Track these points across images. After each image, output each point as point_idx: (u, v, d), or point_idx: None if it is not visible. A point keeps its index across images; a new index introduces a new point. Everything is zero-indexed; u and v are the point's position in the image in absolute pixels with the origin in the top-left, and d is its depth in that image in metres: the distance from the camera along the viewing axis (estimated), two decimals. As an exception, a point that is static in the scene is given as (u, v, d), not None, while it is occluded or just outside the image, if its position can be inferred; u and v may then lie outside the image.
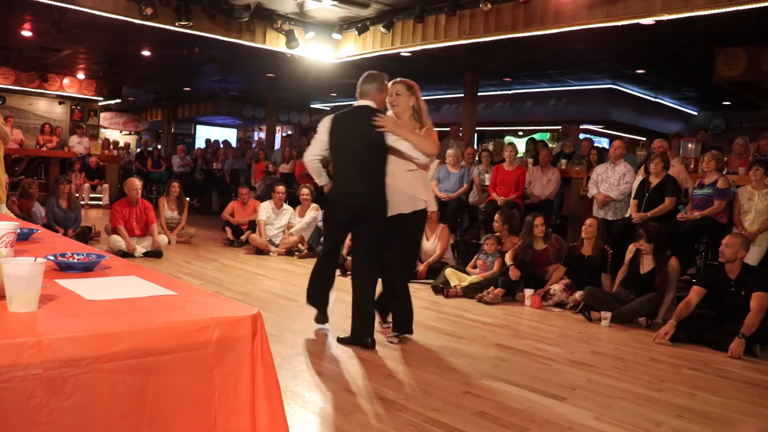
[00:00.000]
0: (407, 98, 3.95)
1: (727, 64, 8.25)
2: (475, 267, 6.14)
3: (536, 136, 12.02)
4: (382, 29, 8.45)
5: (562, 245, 5.99)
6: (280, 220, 7.89)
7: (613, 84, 12.29)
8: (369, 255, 3.88)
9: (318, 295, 4.12)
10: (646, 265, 5.16)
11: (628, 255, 5.32)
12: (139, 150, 17.37)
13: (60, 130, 13.82)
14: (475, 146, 11.09)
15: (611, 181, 6.46)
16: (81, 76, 14.62)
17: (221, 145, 14.88)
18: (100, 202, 12.58)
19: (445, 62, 9.99)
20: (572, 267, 5.62)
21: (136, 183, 7.23)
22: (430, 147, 3.81)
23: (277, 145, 15.43)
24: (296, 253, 7.66)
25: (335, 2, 7.87)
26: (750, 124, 12.69)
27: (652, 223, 5.37)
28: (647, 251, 5.12)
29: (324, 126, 3.98)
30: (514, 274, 5.59)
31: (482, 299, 5.53)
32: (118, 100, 17.34)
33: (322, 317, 4.19)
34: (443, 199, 7.29)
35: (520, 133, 15.54)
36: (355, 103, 3.96)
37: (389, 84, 3.95)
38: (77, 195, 10.69)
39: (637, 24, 6.63)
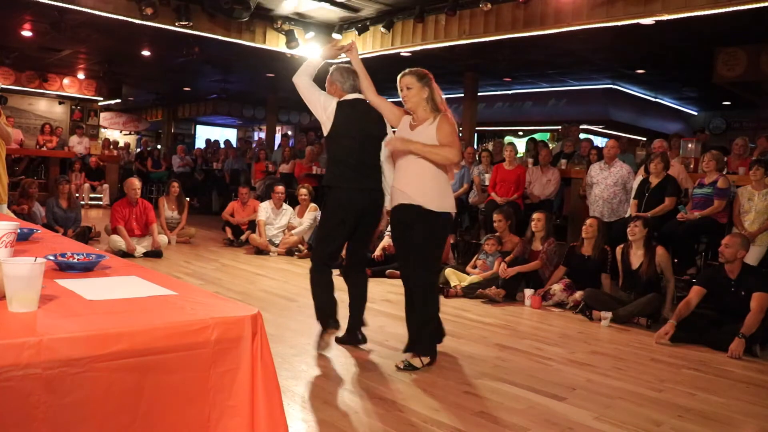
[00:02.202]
0: (419, 90, 3.49)
1: (727, 64, 8.26)
2: (475, 267, 6.14)
3: (536, 136, 12.02)
4: (382, 29, 8.46)
5: (557, 250, 5.95)
6: (280, 220, 7.90)
7: (613, 84, 12.30)
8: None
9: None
10: (636, 260, 5.19)
11: (618, 256, 5.34)
12: (139, 150, 17.37)
13: (60, 130, 13.83)
14: (475, 146, 11.10)
15: (608, 182, 6.46)
16: (81, 76, 14.63)
17: (221, 145, 14.88)
18: (100, 202, 12.58)
19: (445, 62, 9.99)
20: (572, 267, 5.62)
21: (136, 183, 7.23)
22: (447, 155, 3.42)
23: (278, 145, 15.42)
24: (296, 253, 7.66)
25: (326, 2, 7.87)
26: (750, 124, 12.69)
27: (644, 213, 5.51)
28: (639, 238, 5.15)
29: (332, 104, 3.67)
30: (503, 271, 5.59)
31: (483, 294, 5.54)
32: (118, 100, 17.34)
33: (335, 323, 3.82)
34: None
35: (520, 133, 15.55)
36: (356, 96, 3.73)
37: (398, 77, 3.58)
38: (77, 195, 10.68)
39: (637, 24, 6.64)
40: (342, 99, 3.70)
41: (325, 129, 3.71)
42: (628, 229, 5.24)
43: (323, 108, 3.66)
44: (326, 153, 3.85)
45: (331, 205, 3.73)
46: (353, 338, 3.87)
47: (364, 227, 3.77)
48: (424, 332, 3.56)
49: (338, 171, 3.71)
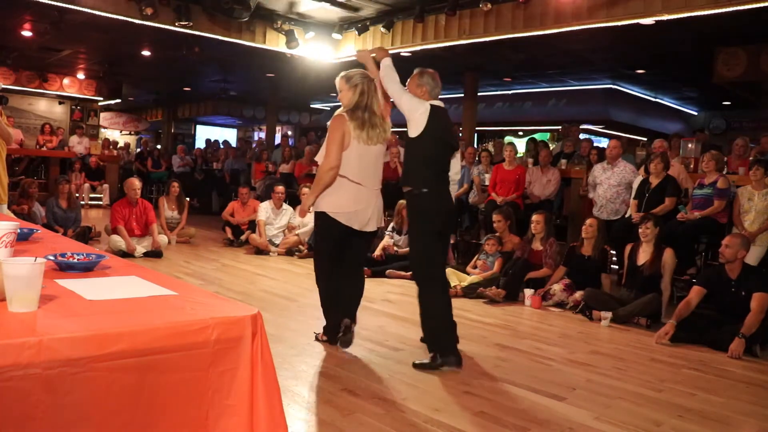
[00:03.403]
0: (347, 92, 3.66)
1: (727, 64, 8.26)
2: (475, 267, 6.14)
3: (536, 136, 12.03)
4: (382, 29, 8.46)
5: (557, 250, 5.95)
6: (280, 220, 7.90)
7: (613, 84, 12.30)
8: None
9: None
10: (642, 257, 5.19)
11: (626, 253, 5.35)
12: (139, 150, 17.38)
13: (61, 131, 13.83)
14: (475, 146, 11.09)
15: (611, 182, 6.47)
16: (81, 76, 14.64)
17: (221, 146, 14.89)
18: (100, 202, 12.58)
19: (445, 62, 9.98)
20: (572, 267, 5.62)
21: (136, 183, 7.23)
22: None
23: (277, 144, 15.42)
24: (296, 253, 7.66)
25: (326, 2, 7.87)
26: (750, 124, 12.70)
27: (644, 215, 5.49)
28: (651, 238, 5.14)
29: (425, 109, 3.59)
30: (496, 294, 5.57)
31: (484, 293, 5.54)
32: (118, 100, 17.35)
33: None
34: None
35: (520, 133, 15.55)
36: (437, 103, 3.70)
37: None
38: (77, 195, 10.68)
39: (637, 24, 6.64)
40: (432, 103, 3.65)
41: (416, 130, 3.60)
42: (640, 230, 5.23)
43: (414, 108, 3.60)
44: (408, 154, 3.75)
45: (420, 210, 3.64)
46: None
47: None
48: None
49: (428, 175, 3.61)
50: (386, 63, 3.70)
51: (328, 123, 3.73)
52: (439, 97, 3.80)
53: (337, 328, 3.73)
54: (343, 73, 3.72)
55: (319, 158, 3.76)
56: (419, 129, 3.58)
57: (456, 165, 3.86)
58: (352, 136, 3.59)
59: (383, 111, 3.74)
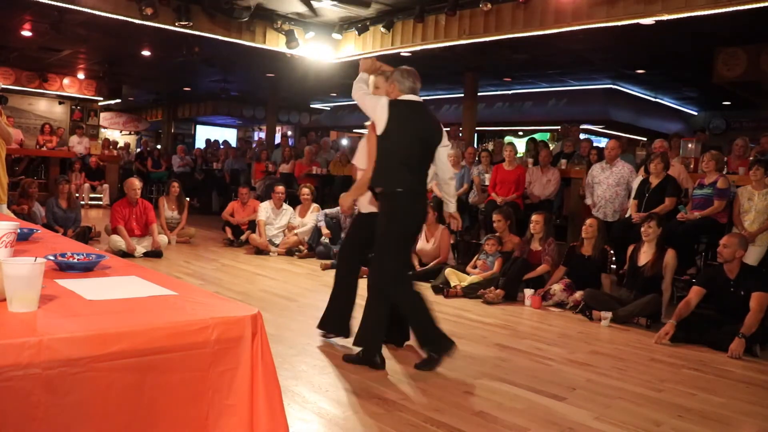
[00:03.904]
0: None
1: (727, 64, 8.26)
2: (475, 267, 6.14)
3: (536, 136, 12.03)
4: (382, 29, 8.46)
5: (556, 250, 5.95)
6: (280, 220, 7.90)
7: (613, 84, 12.30)
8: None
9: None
10: (644, 257, 5.19)
11: (629, 253, 5.35)
12: (139, 150, 17.38)
13: (61, 131, 13.83)
14: (475, 146, 11.10)
15: (609, 182, 6.47)
16: (81, 76, 14.64)
17: (221, 146, 14.89)
18: (100, 202, 12.58)
19: (445, 62, 10.00)
20: (572, 267, 5.62)
21: (136, 183, 7.23)
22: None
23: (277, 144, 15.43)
24: (296, 253, 7.66)
25: (335, 2, 7.88)
26: (750, 124, 12.70)
27: (645, 215, 5.51)
28: (653, 238, 5.14)
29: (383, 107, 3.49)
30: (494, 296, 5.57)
31: (484, 297, 5.54)
32: (118, 100, 17.36)
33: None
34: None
35: (520, 133, 15.55)
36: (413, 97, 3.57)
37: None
38: (77, 195, 10.69)
39: (637, 24, 6.63)
40: (399, 98, 3.52)
41: (380, 127, 3.48)
42: (642, 230, 5.22)
43: (373, 105, 3.51)
44: (378, 154, 3.56)
45: (391, 211, 3.47)
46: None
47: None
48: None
49: (397, 173, 3.48)
50: (361, 76, 3.68)
51: (367, 124, 3.71)
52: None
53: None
54: (381, 71, 3.73)
55: (359, 163, 3.71)
56: (382, 125, 3.45)
57: (444, 164, 3.63)
58: None
59: None
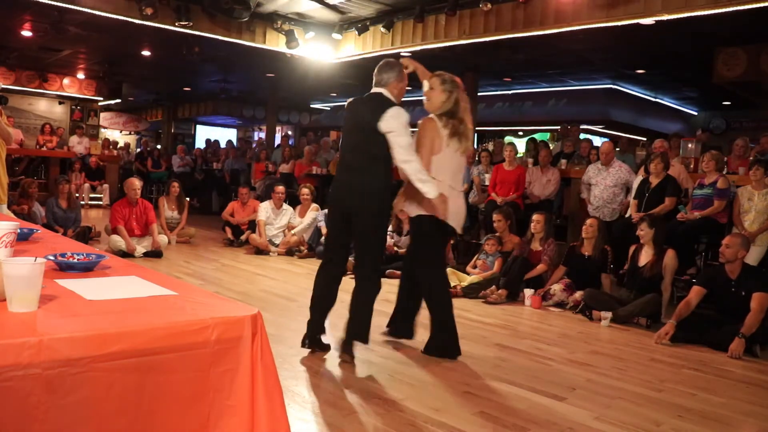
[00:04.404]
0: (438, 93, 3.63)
1: (727, 64, 8.26)
2: (475, 267, 6.14)
3: (536, 136, 12.02)
4: (382, 29, 8.46)
5: (556, 250, 5.94)
6: (280, 220, 7.90)
7: (613, 84, 12.30)
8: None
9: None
10: (644, 258, 5.19)
11: (631, 252, 5.36)
12: (139, 150, 17.38)
13: (61, 131, 13.83)
14: (475, 146, 11.09)
15: (607, 183, 6.48)
16: (81, 76, 14.64)
17: (221, 145, 14.88)
18: (100, 202, 12.58)
19: (445, 62, 9.97)
20: (572, 267, 5.62)
21: (136, 183, 7.23)
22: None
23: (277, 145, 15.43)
24: (296, 253, 7.66)
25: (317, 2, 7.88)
26: (750, 124, 12.70)
27: (644, 215, 5.50)
28: (647, 239, 5.15)
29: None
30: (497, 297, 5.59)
31: (486, 298, 5.53)
32: (118, 100, 17.35)
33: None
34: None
35: (520, 133, 15.55)
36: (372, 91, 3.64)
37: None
38: (77, 195, 10.69)
39: (637, 24, 6.63)
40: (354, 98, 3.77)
41: None
42: (638, 232, 5.26)
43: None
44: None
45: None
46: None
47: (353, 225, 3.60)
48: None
49: (338, 164, 3.81)
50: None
51: (419, 122, 3.69)
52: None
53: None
54: (438, 73, 3.70)
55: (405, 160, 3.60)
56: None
57: (393, 150, 3.44)
58: (444, 142, 3.59)
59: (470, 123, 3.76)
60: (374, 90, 3.61)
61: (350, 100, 3.82)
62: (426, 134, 3.61)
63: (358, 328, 3.53)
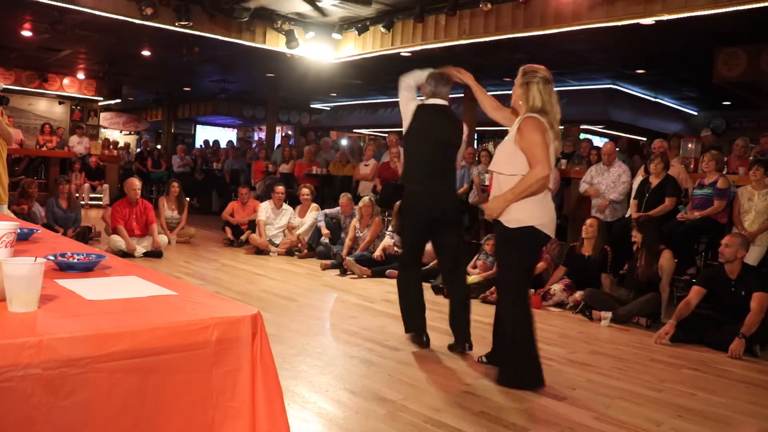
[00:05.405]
0: (517, 87, 3.57)
1: (727, 64, 8.25)
2: (475, 267, 6.14)
3: (536, 136, 11.99)
4: (382, 29, 8.45)
5: (556, 249, 5.95)
6: (280, 220, 7.89)
7: (613, 84, 12.29)
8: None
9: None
10: (641, 260, 5.19)
11: (635, 251, 5.37)
12: (139, 150, 17.38)
13: (61, 131, 13.83)
14: (475, 146, 11.10)
15: (607, 183, 6.48)
16: (81, 76, 14.64)
17: (222, 145, 14.89)
18: (100, 202, 12.57)
19: (445, 62, 9.91)
20: (572, 267, 5.62)
21: (136, 183, 7.23)
22: (536, 176, 3.21)
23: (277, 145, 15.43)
24: (296, 253, 7.66)
25: (337, 1, 7.88)
26: (750, 124, 12.69)
27: (644, 215, 5.49)
28: (639, 243, 5.16)
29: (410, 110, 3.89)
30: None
31: (486, 299, 5.53)
32: (118, 100, 17.35)
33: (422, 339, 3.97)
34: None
35: (520, 133, 15.51)
36: (435, 101, 3.91)
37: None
38: (77, 195, 10.68)
39: (637, 24, 6.63)
40: (423, 103, 3.90)
41: (404, 127, 3.94)
42: (632, 238, 5.28)
43: (404, 107, 3.92)
44: (403, 153, 4.12)
45: (405, 206, 4.04)
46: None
47: (439, 230, 3.92)
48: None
49: (413, 172, 3.94)
50: (407, 83, 3.97)
51: (522, 124, 3.35)
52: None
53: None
54: (526, 67, 3.62)
55: (502, 168, 3.33)
56: (405, 126, 3.90)
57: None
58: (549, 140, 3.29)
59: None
60: (436, 101, 3.88)
61: (418, 106, 3.88)
62: (539, 133, 3.28)
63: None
